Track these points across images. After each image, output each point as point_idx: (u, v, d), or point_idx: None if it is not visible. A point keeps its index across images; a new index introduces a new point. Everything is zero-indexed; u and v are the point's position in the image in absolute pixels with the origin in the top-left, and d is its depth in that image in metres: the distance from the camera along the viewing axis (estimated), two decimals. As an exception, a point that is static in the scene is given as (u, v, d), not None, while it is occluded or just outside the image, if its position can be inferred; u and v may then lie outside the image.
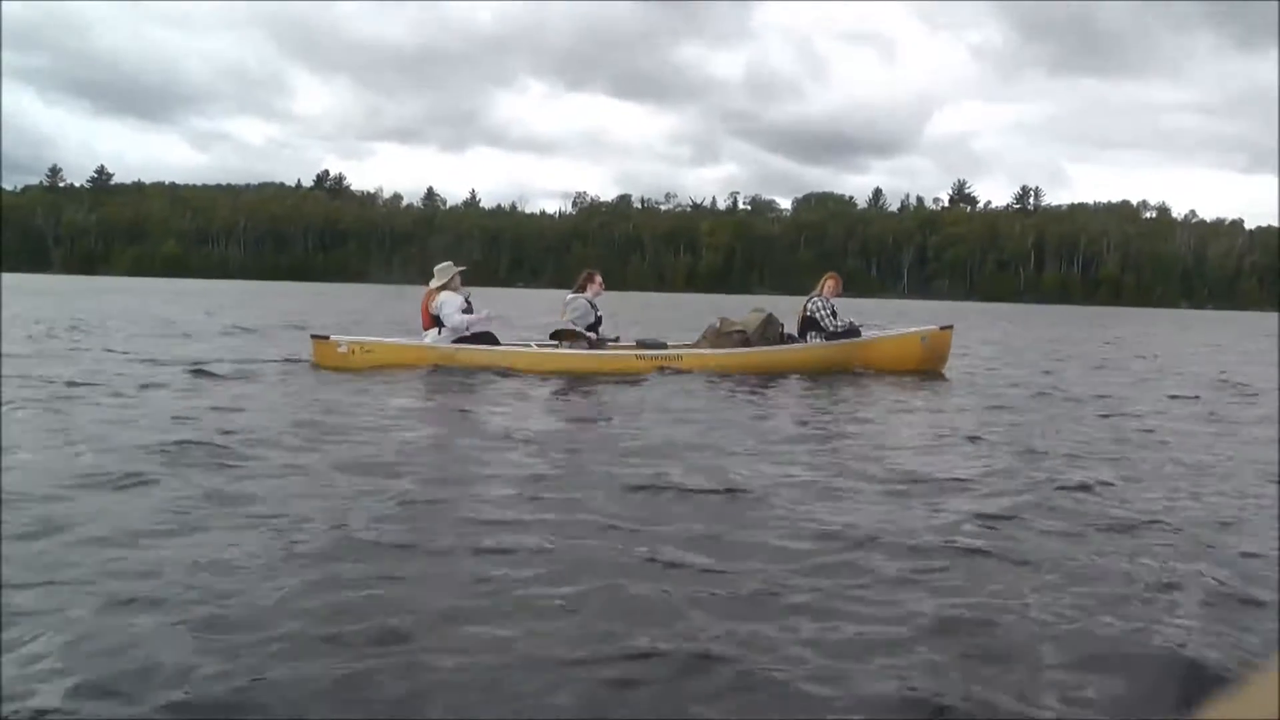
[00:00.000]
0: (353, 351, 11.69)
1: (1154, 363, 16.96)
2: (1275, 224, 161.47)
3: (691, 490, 5.03)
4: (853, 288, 12.63)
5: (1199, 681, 2.74)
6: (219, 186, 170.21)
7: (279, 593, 3.28)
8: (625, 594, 3.35)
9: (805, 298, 13.19)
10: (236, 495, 4.72)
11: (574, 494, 4.90)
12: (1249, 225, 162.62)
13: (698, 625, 3.11)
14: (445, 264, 12.04)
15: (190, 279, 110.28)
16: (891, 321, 13.59)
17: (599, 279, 12.22)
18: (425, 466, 5.63)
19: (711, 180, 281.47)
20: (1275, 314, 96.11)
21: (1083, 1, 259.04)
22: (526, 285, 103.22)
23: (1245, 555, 4.17)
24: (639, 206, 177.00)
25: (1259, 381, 13.21)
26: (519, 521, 4.34)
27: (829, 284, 13.00)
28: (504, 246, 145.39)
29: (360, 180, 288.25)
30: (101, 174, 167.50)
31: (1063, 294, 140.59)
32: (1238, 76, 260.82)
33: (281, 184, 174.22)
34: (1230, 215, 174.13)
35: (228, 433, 6.37)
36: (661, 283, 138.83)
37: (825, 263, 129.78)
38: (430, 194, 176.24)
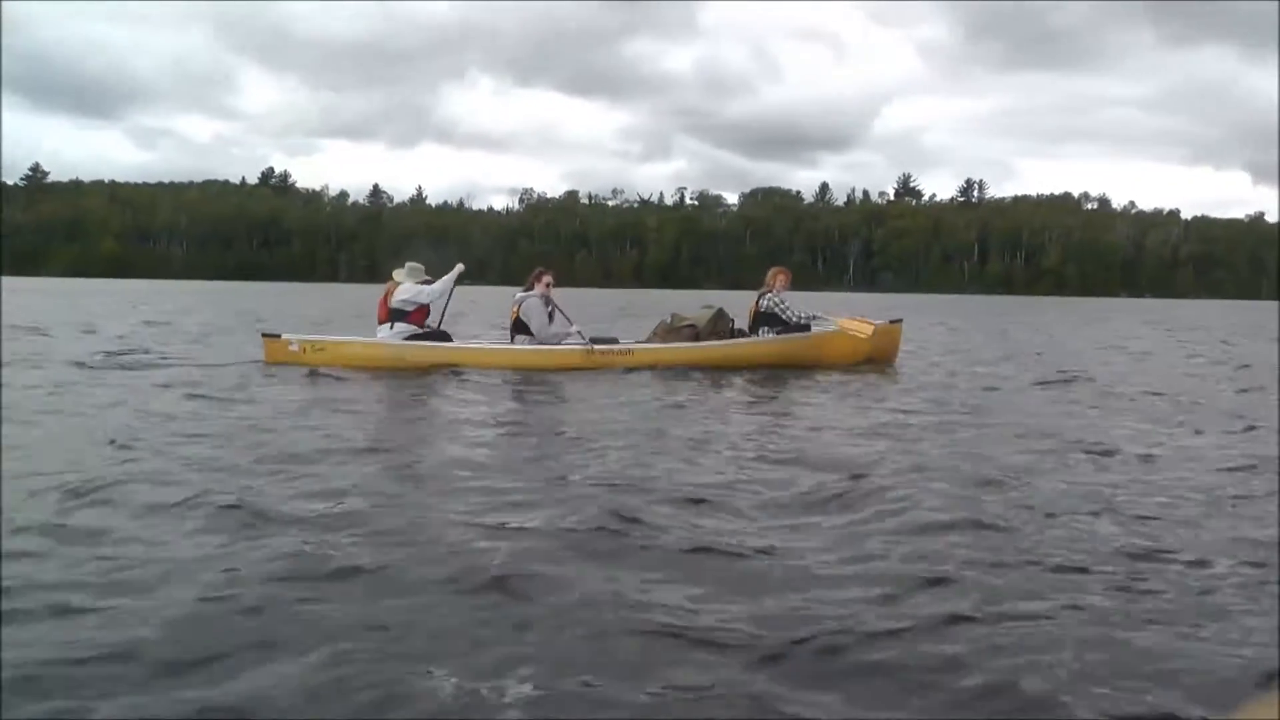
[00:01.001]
0: (304, 350, 11.77)
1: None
2: (1211, 214, 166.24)
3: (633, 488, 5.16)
4: (799, 281, 13.56)
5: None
6: (161, 184, 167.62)
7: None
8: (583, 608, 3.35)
9: (756, 293, 13.23)
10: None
11: (523, 497, 4.95)
12: (1186, 215, 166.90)
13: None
14: (417, 265, 12.20)
15: (132, 279, 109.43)
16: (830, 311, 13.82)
17: (548, 277, 12.26)
18: (374, 465, 5.77)
19: (661, 176, 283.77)
20: (1205, 301, 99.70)
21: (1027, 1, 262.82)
22: (473, 283, 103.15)
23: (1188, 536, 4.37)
24: (586, 203, 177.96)
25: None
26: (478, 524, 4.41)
27: (780, 278, 13.06)
28: (450, 244, 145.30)
29: (308, 177, 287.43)
30: (36, 171, 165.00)
31: (1006, 285, 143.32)
32: (1179, 72, 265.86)
33: (226, 181, 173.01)
34: (1169, 206, 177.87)
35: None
36: (608, 279, 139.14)
37: (771, 258, 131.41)
38: (376, 191, 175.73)
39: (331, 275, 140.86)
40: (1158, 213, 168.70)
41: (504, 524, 4.41)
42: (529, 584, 3.54)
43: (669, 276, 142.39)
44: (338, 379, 10.48)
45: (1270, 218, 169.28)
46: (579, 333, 12.18)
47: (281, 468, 5.55)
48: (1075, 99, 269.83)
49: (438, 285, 11.97)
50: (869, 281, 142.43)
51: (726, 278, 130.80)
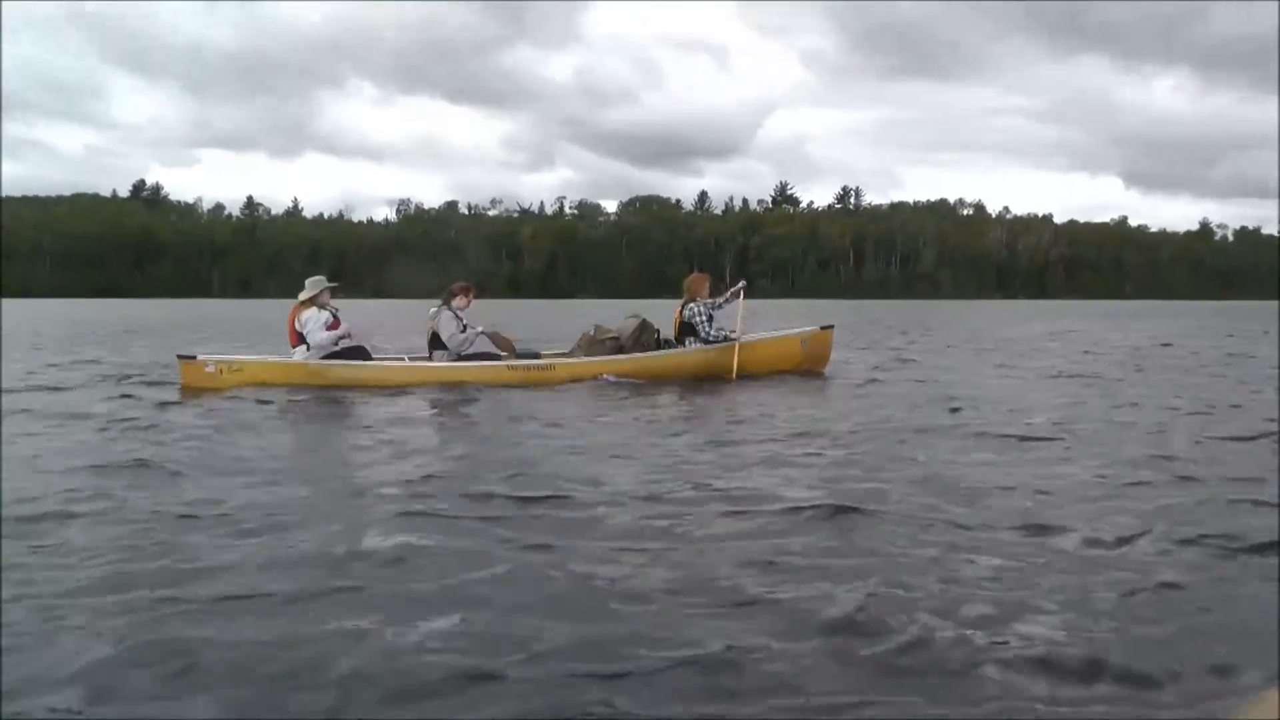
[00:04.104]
0: (220, 371, 11.82)
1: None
2: (1085, 219, 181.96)
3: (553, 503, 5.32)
4: (676, 290, 13.89)
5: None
6: (26, 198, 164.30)
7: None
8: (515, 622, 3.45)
9: (679, 302, 13.24)
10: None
11: (443, 512, 5.10)
12: (1059, 220, 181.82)
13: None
14: (316, 278, 12.35)
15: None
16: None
17: (473, 292, 12.52)
18: (294, 491, 5.77)
19: (547, 186, 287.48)
20: (1077, 301, 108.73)
21: (906, 1, 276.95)
22: (347, 295, 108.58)
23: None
24: (466, 213, 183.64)
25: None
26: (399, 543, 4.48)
27: (704, 285, 13.16)
28: (325, 257, 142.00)
29: (185, 189, 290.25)
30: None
31: (882, 290, 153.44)
32: (1056, 83, 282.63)
33: (96, 195, 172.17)
34: (1044, 211, 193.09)
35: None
36: (484, 290, 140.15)
37: (648, 266, 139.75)
38: (250, 203, 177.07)
39: (204, 291, 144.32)
40: (1032, 217, 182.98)
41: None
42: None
43: (546, 287, 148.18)
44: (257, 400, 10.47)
45: (1134, 221, 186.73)
46: (482, 331, 12.46)
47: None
48: (956, 108, 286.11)
49: (322, 337, 12.06)
50: (746, 289, 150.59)
51: (604, 287, 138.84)
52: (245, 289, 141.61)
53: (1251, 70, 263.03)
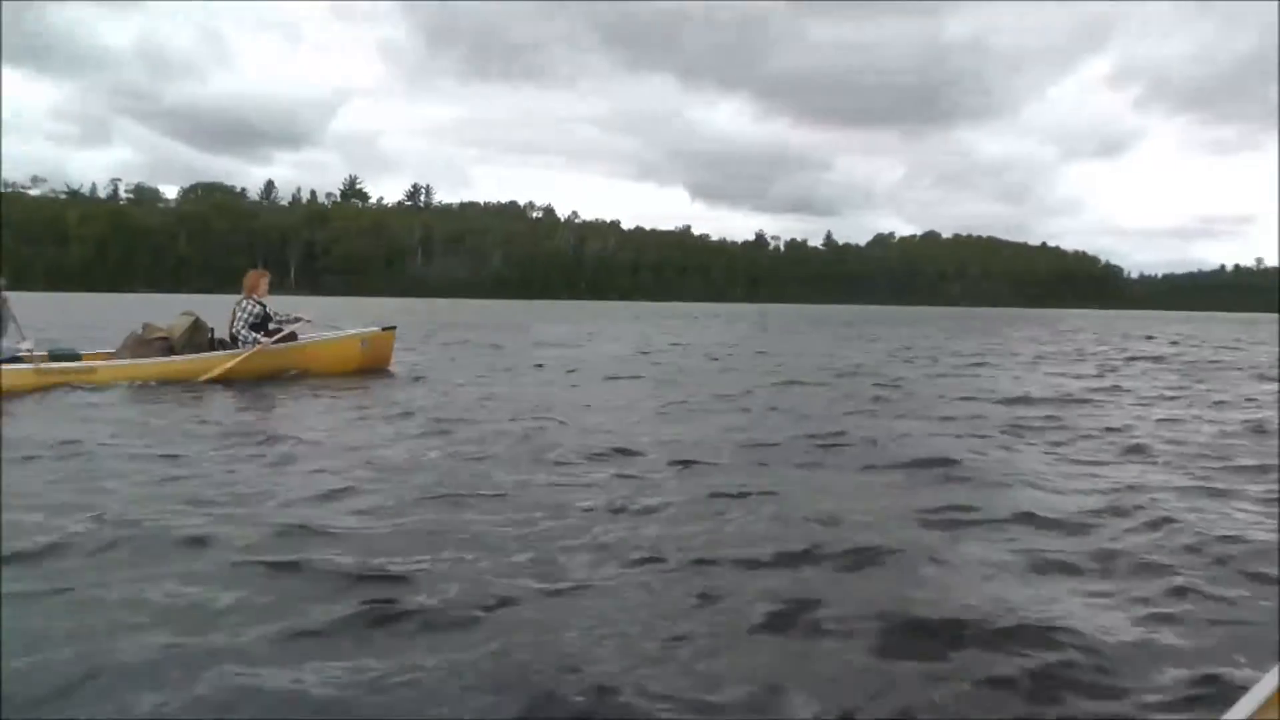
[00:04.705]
0: None
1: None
2: (651, 226, 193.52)
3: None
4: (238, 285, 13.08)
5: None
6: None
7: None
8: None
9: (236, 298, 12.93)
10: None
11: None
12: (627, 225, 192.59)
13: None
14: None
15: None
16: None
17: (2, 280, 11.58)
18: None
19: (103, 165, 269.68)
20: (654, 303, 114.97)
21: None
22: None
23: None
24: (3, 191, 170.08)
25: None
26: None
27: (262, 282, 12.94)
28: None
29: None
30: None
31: (451, 288, 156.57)
32: (628, 97, 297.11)
33: None
34: (612, 216, 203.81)
35: None
36: (19, 280, 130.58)
37: (210, 258, 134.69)
38: None
39: None
40: (600, 222, 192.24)
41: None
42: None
43: (94, 277, 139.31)
44: None
45: (697, 230, 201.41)
46: (30, 350, 11.35)
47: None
48: (531, 113, 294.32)
49: None
50: (313, 283, 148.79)
51: (160, 279, 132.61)
52: None
53: (802, 101, 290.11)
